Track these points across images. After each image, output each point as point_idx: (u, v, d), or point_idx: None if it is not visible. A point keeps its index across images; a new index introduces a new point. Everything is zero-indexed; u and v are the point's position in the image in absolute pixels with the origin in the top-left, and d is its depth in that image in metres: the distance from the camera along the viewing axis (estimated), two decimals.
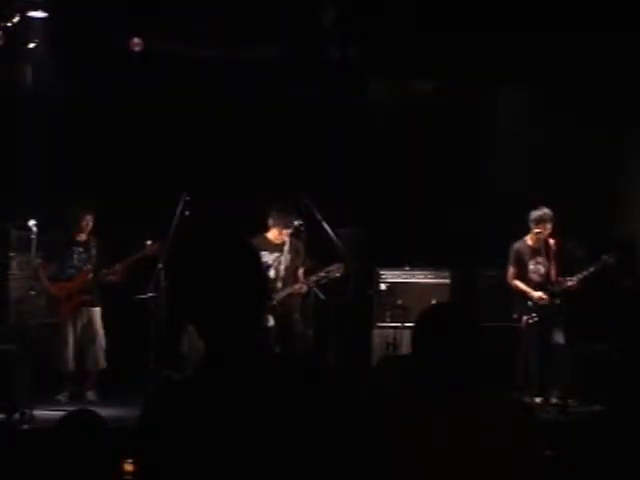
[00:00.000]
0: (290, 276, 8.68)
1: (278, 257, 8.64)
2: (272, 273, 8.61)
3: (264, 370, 2.18)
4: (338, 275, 8.62)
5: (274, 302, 8.46)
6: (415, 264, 9.51)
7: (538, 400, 8.38)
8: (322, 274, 8.62)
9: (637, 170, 10.33)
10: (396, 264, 9.49)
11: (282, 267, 8.63)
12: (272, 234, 8.67)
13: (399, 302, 9.08)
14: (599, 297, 9.10)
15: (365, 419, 2.29)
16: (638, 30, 8.83)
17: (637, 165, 10.35)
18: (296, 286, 8.64)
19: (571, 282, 8.65)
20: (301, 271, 8.73)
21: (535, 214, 8.65)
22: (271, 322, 8.45)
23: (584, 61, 9.31)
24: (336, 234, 8.79)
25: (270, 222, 8.66)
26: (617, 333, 8.94)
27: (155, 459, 2.13)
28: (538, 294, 8.63)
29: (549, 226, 8.63)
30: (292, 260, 8.68)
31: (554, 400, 8.40)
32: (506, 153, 10.45)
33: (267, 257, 8.55)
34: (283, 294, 8.59)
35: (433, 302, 7.88)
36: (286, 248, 8.64)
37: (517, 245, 8.80)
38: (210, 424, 2.11)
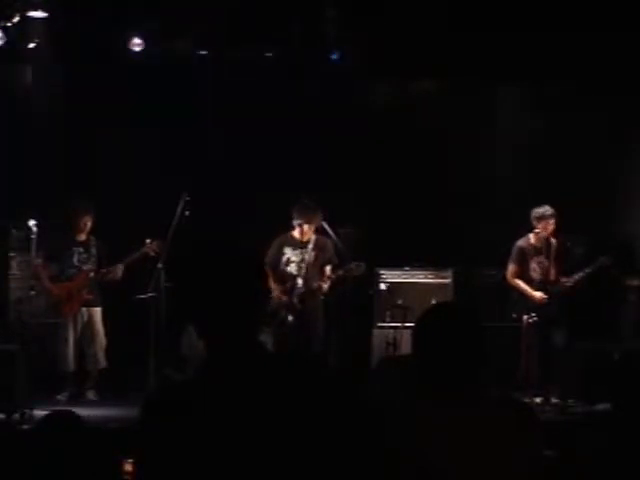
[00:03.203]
0: (313, 274, 8.64)
1: (301, 253, 8.61)
2: (294, 269, 8.61)
3: (264, 371, 2.18)
4: (357, 274, 8.63)
5: (293, 299, 8.49)
6: (415, 264, 9.51)
7: (538, 400, 8.37)
8: (341, 272, 8.63)
9: (637, 170, 10.32)
10: (396, 264, 9.48)
11: (304, 264, 8.60)
12: (297, 232, 8.66)
13: (399, 302, 9.07)
14: (599, 296, 9.10)
15: (365, 419, 2.29)
16: (638, 30, 8.83)
17: (637, 165, 10.35)
18: (316, 284, 8.59)
19: (568, 282, 8.66)
20: (328, 268, 8.69)
21: (537, 211, 8.64)
22: (290, 318, 8.48)
23: (584, 61, 9.31)
24: (336, 234, 8.79)
25: (294, 221, 8.63)
26: (617, 332, 8.94)
27: (154, 460, 2.13)
28: (539, 294, 8.61)
29: (552, 222, 8.60)
30: (316, 257, 8.64)
31: (554, 400, 8.40)
32: (506, 153, 10.44)
33: (290, 253, 8.61)
34: (301, 291, 8.54)
35: (433, 302, 7.88)
36: (310, 246, 8.60)
37: (520, 243, 8.77)
38: (209, 425, 2.11)
